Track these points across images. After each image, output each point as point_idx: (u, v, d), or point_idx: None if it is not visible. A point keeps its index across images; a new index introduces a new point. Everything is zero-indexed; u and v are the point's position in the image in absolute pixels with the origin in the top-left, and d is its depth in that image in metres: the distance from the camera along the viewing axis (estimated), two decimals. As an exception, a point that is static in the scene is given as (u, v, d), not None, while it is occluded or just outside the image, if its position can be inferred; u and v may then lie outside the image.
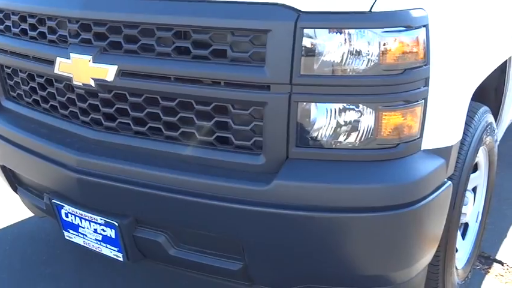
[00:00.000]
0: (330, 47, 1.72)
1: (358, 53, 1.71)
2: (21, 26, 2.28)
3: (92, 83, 2.01)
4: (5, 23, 2.37)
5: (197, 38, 1.83)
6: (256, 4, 1.75)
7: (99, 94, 2.06)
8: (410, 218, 1.86)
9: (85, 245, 2.28)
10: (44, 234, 3.10)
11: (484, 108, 2.43)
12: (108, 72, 1.97)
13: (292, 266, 1.94)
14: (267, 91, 1.77)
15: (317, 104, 1.77)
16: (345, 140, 1.81)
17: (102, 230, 2.16)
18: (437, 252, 2.19)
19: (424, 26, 1.75)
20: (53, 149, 2.17)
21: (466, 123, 2.25)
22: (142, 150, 2.03)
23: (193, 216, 1.94)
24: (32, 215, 2.98)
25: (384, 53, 1.71)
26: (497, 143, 2.68)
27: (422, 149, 1.88)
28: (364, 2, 1.69)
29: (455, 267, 2.47)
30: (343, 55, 1.72)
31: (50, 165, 2.19)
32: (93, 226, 2.18)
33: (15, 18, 2.31)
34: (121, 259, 2.18)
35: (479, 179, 2.69)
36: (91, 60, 1.98)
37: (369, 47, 1.71)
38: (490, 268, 2.96)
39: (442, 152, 1.93)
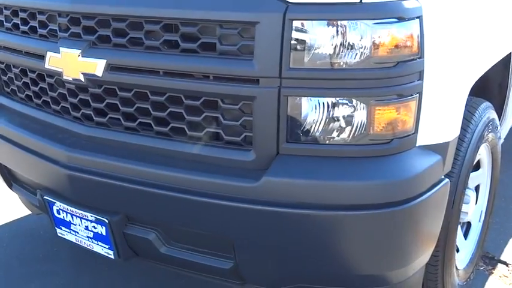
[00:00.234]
0: (320, 40, 1.67)
1: (349, 45, 1.66)
2: (13, 21, 2.26)
3: (82, 78, 1.98)
4: (-2, 18, 2.35)
5: (185, 31, 1.79)
6: (244, -5, 1.71)
7: (89, 89, 2.03)
8: (405, 216, 1.80)
9: (77, 242, 2.25)
10: (42, 232, 3.09)
11: (486, 104, 2.36)
12: (97, 66, 1.94)
13: (284, 265, 1.89)
14: (256, 85, 1.72)
15: (307, 98, 1.72)
16: (336, 136, 1.75)
17: (93, 227, 2.13)
18: (435, 252, 2.13)
19: (417, 17, 1.69)
20: (44, 145, 2.15)
21: (465, 119, 2.19)
22: (133, 146, 2.00)
23: (183, 213, 1.90)
24: (30, 212, 2.96)
25: (375, 45, 1.65)
26: (501, 140, 2.61)
27: (417, 145, 1.82)
28: (355, -8, 1.64)
29: (456, 267, 2.41)
30: (333, 48, 1.67)
31: (41, 162, 2.16)
32: (84, 223, 2.15)
33: (7, 12, 2.29)
34: (112, 257, 2.15)
35: (482, 177, 2.62)
36: (80, 55, 1.96)
37: (360, 39, 1.65)
38: (494, 269, 2.89)
39: (438, 149, 1.87)
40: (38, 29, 2.14)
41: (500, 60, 2.53)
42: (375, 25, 1.64)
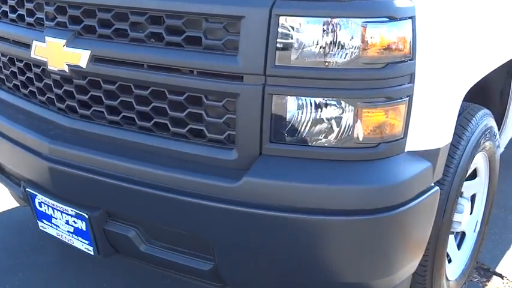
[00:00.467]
0: (307, 37, 1.61)
1: (336, 44, 1.60)
2: (2, 8, 2.22)
3: (66, 69, 1.94)
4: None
5: (170, 24, 1.74)
6: (230, -12, 1.65)
7: (73, 80, 1.98)
8: (390, 224, 1.74)
9: (58, 237, 2.21)
10: (31, 224, 3.03)
11: (484, 111, 2.29)
12: (81, 57, 1.89)
13: (264, 270, 1.83)
14: (240, 82, 1.67)
15: (293, 97, 1.66)
16: (322, 138, 1.69)
17: (74, 221, 2.09)
18: (424, 262, 2.07)
19: (410, 17, 1.63)
20: (28, 136, 2.11)
21: (461, 126, 2.12)
22: (117, 141, 1.95)
23: (161, 211, 1.85)
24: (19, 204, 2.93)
25: (364, 45, 1.59)
26: (500, 149, 2.53)
27: (406, 150, 1.75)
28: (344, -11, 1.58)
29: (447, 278, 2.34)
30: (320, 46, 1.61)
31: (24, 153, 2.12)
32: (65, 217, 2.11)
33: (-4, 0, 2.25)
34: (92, 253, 2.11)
35: (478, 187, 2.55)
36: (65, 45, 1.91)
37: (348, 38, 1.59)
38: (488, 281, 2.81)
39: (428, 155, 1.80)
40: (26, 17, 2.10)
41: (502, 67, 2.46)
42: (364, 24, 1.58)
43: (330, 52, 1.61)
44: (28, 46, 2.07)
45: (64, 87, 2.03)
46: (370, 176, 1.68)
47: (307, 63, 1.62)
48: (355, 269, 1.80)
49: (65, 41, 1.91)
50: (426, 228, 1.91)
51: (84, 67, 1.89)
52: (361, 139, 1.67)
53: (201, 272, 1.92)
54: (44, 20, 2.01)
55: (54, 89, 2.07)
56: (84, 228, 2.06)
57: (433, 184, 1.88)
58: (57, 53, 1.94)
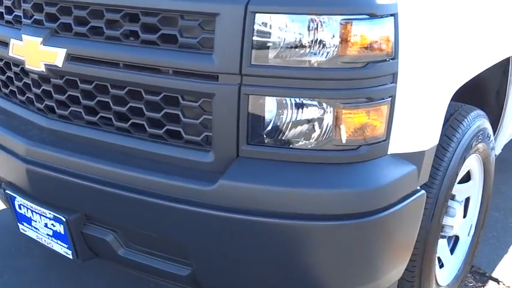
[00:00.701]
0: (284, 35, 1.55)
1: (314, 42, 1.54)
2: (-19, 6, 2.18)
3: (43, 68, 1.89)
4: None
5: (146, 22, 1.68)
6: (205, -15, 1.59)
7: (51, 80, 1.93)
8: (373, 229, 1.68)
9: (38, 240, 2.16)
10: (20, 226, 3.00)
11: (477, 112, 2.22)
12: (57, 56, 1.84)
13: (242, 276, 1.77)
14: (215, 81, 1.61)
15: (270, 98, 1.60)
16: (300, 139, 1.63)
17: (52, 224, 2.04)
18: (411, 268, 2.00)
19: (391, 15, 1.56)
20: (6, 137, 2.06)
21: (452, 128, 2.06)
22: (95, 142, 1.90)
23: (137, 215, 1.79)
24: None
25: (343, 43, 1.53)
26: (495, 151, 2.45)
27: (389, 153, 1.69)
28: (322, -15, 1.52)
29: (438, 283, 2.27)
30: (297, 45, 1.55)
31: (3, 154, 2.08)
32: (44, 220, 2.06)
33: (-24, -2, 2.20)
34: (71, 256, 2.06)
35: (472, 190, 2.47)
36: (41, 43, 1.86)
37: (326, 36, 1.53)
38: (484, 286, 2.73)
39: (413, 158, 1.73)
40: (4, 15, 2.06)
41: (497, 66, 2.39)
42: (343, 21, 1.52)
43: (308, 51, 1.55)
44: (6, 45, 2.02)
45: (42, 87, 1.99)
46: (350, 180, 1.62)
47: (285, 63, 1.56)
48: (338, 275, 1.74)
49: (41, 39, 1.86)
50: (412, 232, 1.84)
51: (61, 66, 1.84)
52: (341, 141, 1.61)
53: (180, 277, 1.87)
54: (22, 17, 1.96)
55: (32, 88, 2.03)
56: (62, 232, 2.02)
57: (418, 188, 1.81)
58: (33, 52, 1.89)
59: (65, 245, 2.05)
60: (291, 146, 1.64)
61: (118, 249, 1.95)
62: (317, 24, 1.53)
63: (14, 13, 2.01)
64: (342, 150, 1.62)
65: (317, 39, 1.54)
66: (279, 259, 1.68)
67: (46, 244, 2.13)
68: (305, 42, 1.54)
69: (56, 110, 1.98)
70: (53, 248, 2.11)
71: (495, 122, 2.66)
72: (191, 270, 1.83)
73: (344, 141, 1.61)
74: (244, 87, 1.59)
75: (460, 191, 2.36)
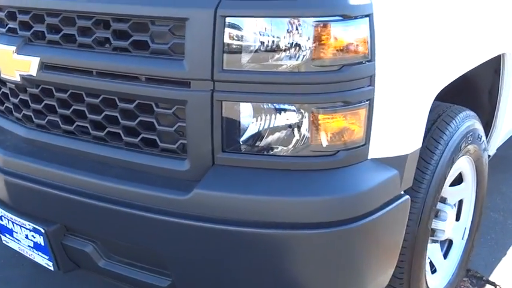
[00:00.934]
0: (255, 39, 1.50)
1: (287, 46, 1.50)
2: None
3: (18, 77, 1.86)
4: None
5: (117, 28, 1.65)
6: (174, -11, 1.56)
7: (27, 89, 1.90)
8: (354, 236, 1.63)
9: (20, 251, 2.13)
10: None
11: (466, 113, 2.16)
12: (31, 64, 1.81)
13: (221, 287, 1.73)
14: (187, 88, 1.57)
15: (244, 103, 1.56)
16: (276, 146, 1.59)
17: (32, 236, 2.00)
18: (399, 274, 1.95)
19: (366, 15, 1.51)
20: (-15, 147, 2.03)
21: (439, 129, 2.00)
22: (72, 152, 1.87)
23: (114, 225, 1.76)
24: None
25: (315, 46, 1.48)
26: (487, 152, 2.39)
27: (370, 157, 1.64)
28: (293, -14, 1.47)
29: (428, 289, 2.21)
30: (269, 48, 1.50)
31: (-17, 165, 2.05)
32: (24, 231, 2.03)
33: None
34: (52, 268, 2.02)
35: (465, 192, 2.41)
36: (15, 52, 1.83)
37: (298, 39, 1.49)
38: (480, 290, 2.67)
39: (394, 162, 1.68)
40: (-19, 25, 2.03)
41: (488, 65, 2.33)
42: (316, 23, 1.47)
43: (280, 54, 1.50)
44: (-17, 54, 1.99)
45: (19, 96, 1.96)
46: (328, 186, 1.57)
47: (258, 67, 1.52)
48: (319, 284, 1.69)
49: (14, 47, 1.83)
50: (397, 238, 1.79)
51: (35, 75, 1.81)
52: (318, 147, 1.56)
53: (160, 288, 1.83)
54: (-4, 26, 1.94)
55: (10, 98, 2.00)
56: (42, 243, 1.98)
57: (402, 192, 1.76)
58: (8, 61, 1.86)
59: (46, 257, 2.02)
60: (267, 153, 1.60)
61: (98, 260, 1.91)
62: (288, 27, 1.49)
63: (-10, 22, 1.98)
64: (319, 156, 1.58)
65: (289, 42, 1.49)
66: (258, 269, 1.64)
67: (28, 256, 2.10)
68: (277, 45, 1.50)
69: (34, 120, 1.94)
70: (35, 259, 2.08)
71: (489, 123, 2.60)
72: (171, 281, 1.79)
73: (321, 146, 1.56)
74: (217, 94, 1.54)
75: (451, 194, 2.30)
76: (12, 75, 1.87)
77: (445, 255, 2.42)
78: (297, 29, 1.48)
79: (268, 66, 1.52)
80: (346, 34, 1.49)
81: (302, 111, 1.55)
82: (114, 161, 1.78)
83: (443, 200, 2.24)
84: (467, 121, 2.14)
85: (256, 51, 1.51)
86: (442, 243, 2.40)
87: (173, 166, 1.67)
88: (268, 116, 1.57)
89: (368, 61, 1.54)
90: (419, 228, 1.93)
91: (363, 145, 1.61)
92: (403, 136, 1.70)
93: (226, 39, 1.50)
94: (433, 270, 2.33)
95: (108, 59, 1.67)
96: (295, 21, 1.48)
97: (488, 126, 2.59)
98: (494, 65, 2.44)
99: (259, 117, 1.57)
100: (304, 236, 1.56)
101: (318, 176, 1.58)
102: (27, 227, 1.98)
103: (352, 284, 1.72)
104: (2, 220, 2.11)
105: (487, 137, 2.60)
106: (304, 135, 1.57)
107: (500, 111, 2.54)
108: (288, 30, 1.49)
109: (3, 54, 1.87)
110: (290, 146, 1.58)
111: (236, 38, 1.51)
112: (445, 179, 2.03)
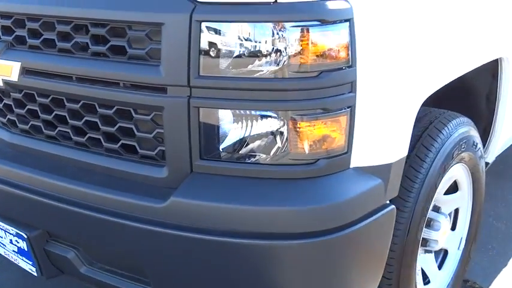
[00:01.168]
0: (231, 45, 1.47)
1: (263, 51, 1.46)
2: None
3: (0, 82, 1.84)
4: None
5: (95, 33, 1.63)
6: (150, -7, 1.53)
7: (11, 94, 1.89)
8: (335, 247, 1.58)
9: (6, 256, 2.12)
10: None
11: (460, 119, 2.10)
12: (13, 69, 1.79)
13: (200, 295, 1.69)
14: (164, 94, 1.54)
15: (221, 110, 1.53)
16: (254, 154, 1.55)
17: (16, 241, 1.99)
18: (387, 286, 1.90)
19: (346, 20, 1.47)
20: (-29, 152, 2.02)
21: (430, 137, 1.95)
22: (54, 157, 1.85)
23: (92, 232, 1.73)
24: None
25: (293, 51, 1.45)
26: (483, 159, 2.33)
27: (352, 166, 1.59)
28: (269, -9, 1.44)
29: (420, 301, 2.15)
30: (246, 54, 1.47)
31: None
32: (8, 236, 2.01)
33: None
34: (35, 274, 2.01)
35: (461, 201, 2.35)
36: (-3, 57, 1.82)
37: (275, 44, 1.45)
38: (478, 302, 2.61)
39: (378, 171, 1.63)
40: (-33, 29, 2.03)
41: (485, 69, 2.27)
42: (292, 29, 1.43)
43: (257, 60, 1.47)
44: (-31, 59, 1.99)
45: (4, 101, 1.95)
46: (307, 196, 1.52)
47: (234, 73, 1.49)
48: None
49: (-4, 52, 1.82)
50: (382, 249, 1.74)
51: (16, 80, 1.80)
52: (297, 155, 1.52)
53: (140, 296, 1.80)
54: (-19, 31, 1.93)
55: (-5, 102, 1.99)
56: (25, 248, 1.96)
57: (388, 202, 1.71)
58: (-10, 66, 1.85)
59: (30, 262, 2.00)
60: (246, 160, 1.56)
61: (80, 267, 1.88)
62: (265, 32, 1.45)
63: (-25, 26, 1.97)
64: (298, 164, 1.54)
65: (266, 47, 1.46)
66: (236, 279, 1.60)
67: (13, 261, 2.09)
68: (254, 51, 1.46)
69: (18, 125, 1.93)
70: (19, 264, 2.06)
71: (487, 129, 2.54)
72: (151, 289, 1.76)
73: (299, 155, 1.52)
74: (193, 100, 1.51)
75: (446, 203, 2.24)
76: (-5, 79, 1.86)
77: (440, 266, 2.36)
78: (273, 34, 1.45)
79: (246, 72, 1.48)
80: (324, 39, 1.45)
81: (281, 118, 1.51)
82: (96, 167, 1.75)
83: (437, 209, 2.19)
84: (461, 128, 2.08)
85: (233, 56, 1.48)
86: (436, 253, 2.34)
87: (152, 173, 1.64)
88: (247, 123, 1.53)
89: (348, 67, 1.49)
90: (408, 238, 1.87)
91: (344, 153, 1.56)
92: (387, 144, 1.65)
93: (202, 45, 1.47)
94: (427, 281, 2.27)
95: (87, 64, 1.65)
96: (272, 26, 1.44)
97: (486, 132, 2.53)
98: (491, 70, 2.38)
99: (237, 124, 1.54)
100: (280, 246, 1.52)
101: (297, 185, 1.53)
102: (11, 232, 1.97)
103: (334, 295, 1.68)
104: (-13, 225, 2.11)
105: (485, 144, 2.54)
106: (283, 143, 1.53)
107: (499, 117, 2.48)
108: (264, 35, 1.45)
109: (-14, 59, 1.86)
110: (269, 154, 1.54)
111: (212, 44, 1.47)
112: (436, 187, 1.97)
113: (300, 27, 1.43)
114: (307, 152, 1.52)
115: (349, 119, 1.54)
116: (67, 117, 1.78)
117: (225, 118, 1.54)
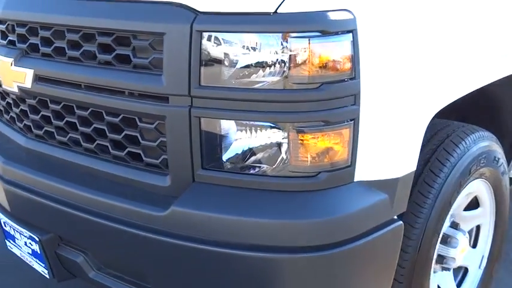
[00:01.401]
0: (232, 55, 1.46)
1: (263, 62, 1.44)
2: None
3: (16, 88, 1.89)
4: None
5: (102, 42, 1.64)
6: (153, 3, 1.53)
7: (26, 100, 1.94)
8: (337, 262, 1.55)
9: (21, 257, 2.17)
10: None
11: (480, 133, 2.02)
12: (26, 76, 1.84)
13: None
14: (166, 103, 1.54)
15: (222, 120, 1.52)
16: (256, 165, 1.53)
17: (30, 243, 2.03)
18: (396, 303, 1.84)
19: (349, 31, 1.44)
20: (-11, 155, 2.08)
21: (445, 151, 1.88)
22: (64, 163, 1.88)
23: (99, 238, 1.75)
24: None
25: (292, 63, 1.42)
26: (507, 175, 2.23)
27: (356, 180, 1.55)
28: (270, 1, 1.41)
29: (435, 321, 2.08)
30: (246, 64, 1.45)
31: (-12, 172, 2.10)
32: (23, 239, 2.06)
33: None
34: (48, 276, 2.04)
35: (482, 217, 2.26)
36: (12, 63, 1.86)
37: (275, 55, 1.43)
38: (502, 323, 2.50)
39: (384, 186, 1.59)
40: (-12, 36, 2.09)
41: (507, 82, 2.17)
42: (292, 39, 1.41)
43: (257, 71, 1.45)
44: (-10, 65, 2.05)
45: (20, 107, 1.99)
46: (307, 209, 1.49)
47: (235, 84, 1.47)
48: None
49: (12, 59, 1.86)
50: (388, 266, 1.69)
51: (30, 87, 1.84)
52: (297, 167, 1.50)
53: (143, 303, 1.80)
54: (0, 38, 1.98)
55: (13, 108, 2.04)
56: (38, 251, 2.00)
57: (395, 217, 1.66)
58: (7, 72, 1.90)
59: (42, 264, 2.04)
60: (246, 171, 1.54)
61: (89, 271, 1.90)
62: (266, 43, 1.43)
63: (-5, 34, 2.03)
64: (299, 177, 1.51)
65: (266, 58, 1.44)
66: (233, 291, 1.58)
67: (28, 262, 2.13)
68: (253, 62, 1.45)
69: (32, 130, 1.98)
70: (34, 266, 2.10)
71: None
72: (154, 296, 1.76)
73: (301, 167, 1.49)
74: (194, 110, 1.51)
75: (466, 219, 2.16)
76: (11, 86, 1.91)
77: (459, 285, 2.28)
78: (273, 44, 1.43)
79: (246, 83, 1.46)
80: (325, 50, 1.42)
81: (282, 129, 1.48)
82: (103, 174, 1.77)
83: (455, 226, 2.11)
84: (481, 142, 2.00)
85: (233, 67, 1.46)
86: (456, 271, 2.26)
87: (156, 181, 1.64)
88: (248, 134, 1.52)
89: (351, 79, 1.46)
90: (419, 255, 1.81)
91: (347, 167, 1.52)
92: (393, 158, 1.60)
93: (203, 55, 1.47)
94: (443, 300, 2.20)
95: (94, 72, 1.67)
96: (272, 36, 1.42)
97: (512, 147, 2.43)
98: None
99: (238, 135, 1.52)
100: (276, 259, 1.50)
101: (297, 197, 1.51)
102: (25, 234, 2.01)
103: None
104: (5, 226, 2.16)
105: (511, 160, 2.44)
106: (284, 155, 1.50)
107: (526, 132, 2.38)
108: (264, 45, 1.43)
109: (3, 65, 1.91)
110: (270, 166, 1.52)
111: (213, 54, 1.47)
112: (451, 203, 1.90)
113: (300, 38, 1.41)
114: (308, 164, 1.49)
115: (352, 132, 1.50)
116: (77, 124, 1.81)
117: (226, 128, 1.53)
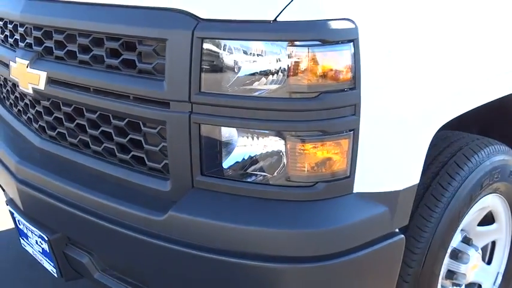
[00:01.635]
0: (232, 62, 1.46)
1: (262, 70, 1.44)
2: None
3: (31, 90, 1.94)
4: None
5: (109, 46, 1.67)
6: (156, 10, 1.55)
7: (40, 101, 1.98)
8: (328, 274, 1.52)
9: (34, 255, 2.22)
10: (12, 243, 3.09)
11: (495, 147, 1.96)
12: (40, 78, 1.88)
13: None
14: (167, 108, 1.56)
15: (222, 127, 1.52)
16: (253, 173, 1.53)
17: (40, 242, 2.08)
18: (399, 319, 1.80)
19: (350, 41, 1.42)
20: (6, 155, 2.14)
21: (456, 164, 1.84)
22: (74, 164, 1.91)
23: (101, 239, 1.78)
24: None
25: (290, 71, 1.41)
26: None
27: (355, 191, 1.53)
28: (270, 9, 1.41)
29: None
30: (245, 72, 1.45)
31: (3, 170, 2.16)
32: (34, 237, 2.11)
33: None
34: (56, 275, 2.08)
35: (498, 233, 2.19)
36: (28, 65, 1.92)
37: (274, 63, 1.42)
38: None
39: (384, 198, 1.56)
40: (9, 38, 2.15)
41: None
42: (292, 48, 1.40)
43: (257, 79, 1.45)
44: (8, 66, 2.11)
45: (36, 108, 2.04)
46: (302, 219, 1.48)
47: (234, 91, 1.47)
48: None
49: (27, 61, 1.91)
50: (387, 279, 1.65)
51: (43, 89, 1.88)
52: (294, 177, 1.48)
53: (145, 306, 1.82)
54: (18, 41, 2.04)
55: (29, 108, 2.09)
56: (48, 250, 2.05)
57: (397, 230, 1.63)
58: (23, 74, 1.95)
59: (51, 263, 2.08)
60: (244, 179, 1.54)
61: (94, 272, 1.93)
62: (264, 51, 1.43)
63: (14, 37, 2.09)
64: (296, 186, 1.50)
65: (264, 66, 1.44)
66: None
67: (39, 261, 2.18)
68: (253, 70, 1.45)
69: (46, 131, 2.02)
70: (44, 265, 2.15)
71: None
72: (154, 300, 1.77)
73: (298, 176, 1.48)
74: (194, 116, 1.51)
75: (479, 235, 2.10)
76: (26, 87, 1.96)
77: (471, 302, 2.22)
78: (272, 52, 1.42)
79: (245, 91, 1.46)
80: (324, 60, 1.41)
81: (280, 138, 1.48)
82: (109, 177, 1.80)
83: (467, 241, 2.05)
84: (496, 156, 1.95)
85: (232, 74, 1.47)
86: (469, 287, 2.20)
87: (158, 186, 1.66)
88: (246, 142, 1.52)
89: (351, 89, 1.44)
90: (423, 270, 1.77)
91: (346, 177, 1.51)
92: (394, 171, 1.57)
93: (204, 62, 1.47)
94: (453, 318, 2.14)
95: (102, 76, 1.70)
96: (272, 44, 1.42)
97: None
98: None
99: (237, 142, 1.52)
100: (271, 268, 1.48)
101: (293, 207, 1.49)
102: (36, 233, 2.06)
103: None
104: (19, 224, 2.21)
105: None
106: (281, 164, 1.49)
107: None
108: (263, 53, 1.43)
109: (20, 67, 1.96)
110: (267, 174, 1.51)
111: (213, 61, 1.47)
112: (460, 218, 1.85)
113: (300, 47, 1.40)
114: (305, 174, 1.48)
115: (351, 143, 1.48)
116: (86, 126, 1.84)
117: (225, 135, 1.53)
